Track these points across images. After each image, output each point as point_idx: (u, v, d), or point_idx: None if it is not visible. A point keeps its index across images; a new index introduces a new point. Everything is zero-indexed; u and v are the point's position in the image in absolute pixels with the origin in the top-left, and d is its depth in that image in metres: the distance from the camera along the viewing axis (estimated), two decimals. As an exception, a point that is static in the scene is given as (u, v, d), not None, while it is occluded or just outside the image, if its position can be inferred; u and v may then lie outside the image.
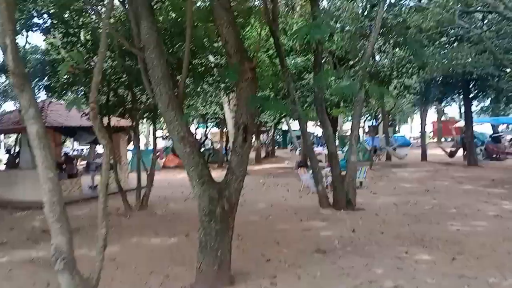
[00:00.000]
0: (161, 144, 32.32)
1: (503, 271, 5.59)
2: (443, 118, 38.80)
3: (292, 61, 17.76)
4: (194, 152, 5.14)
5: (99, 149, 25.67)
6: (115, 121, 15.72)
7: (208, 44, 10.68)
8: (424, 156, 23.80)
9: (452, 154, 22.48)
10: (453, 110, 43.05)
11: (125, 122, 15.37)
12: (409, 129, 59.67)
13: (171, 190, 14.86)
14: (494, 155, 22.65)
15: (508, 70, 16.72)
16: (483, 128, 33.84)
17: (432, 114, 46.86)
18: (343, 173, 11.06)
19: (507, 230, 7.92)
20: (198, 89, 18.86)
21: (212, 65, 12.26)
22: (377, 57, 18.21)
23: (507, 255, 6.34)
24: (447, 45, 14.57)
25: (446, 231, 8.05)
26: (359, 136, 22.82)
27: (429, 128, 45.89)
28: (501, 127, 33.73)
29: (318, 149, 27.13)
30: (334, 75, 16.16)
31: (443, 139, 36.36)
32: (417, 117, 53.69)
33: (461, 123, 34.34)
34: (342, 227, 8.63)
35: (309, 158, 11.46)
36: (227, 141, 25.27)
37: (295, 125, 45.65)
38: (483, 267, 5.81)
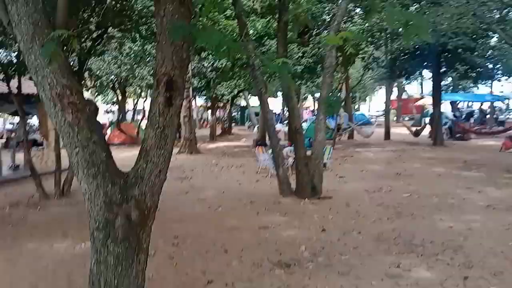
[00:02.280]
0: (105, 118, 29.42)
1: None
2: (403, 96, 38.06)
3: (252, 25, 15.66)
4: (80, 123, 3.06)
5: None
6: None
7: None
8: (387, 135, 22.60)
9: (417, 133, 21.40)
10: (412, 87, 42.57)
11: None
12: (367, 107, 59.26)
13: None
14: (459, 135, 21.74)
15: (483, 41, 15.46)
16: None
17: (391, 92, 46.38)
18: (308, 153, 9.29)
19: (510, 227, 6.41)
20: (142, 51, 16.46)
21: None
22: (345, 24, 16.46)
23: (531, 269, 4.76)
24: (426, 9, 12.98)
25: (437, 229, 6.45)
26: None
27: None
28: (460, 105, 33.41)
29: (278, 126, 25.33)
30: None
31: (401, 118, 35.55)
32: (376, 95, 53.17)
33: (423, 101, 33.81)
34: (309, 224, 6.84)
35: (268, 136, 9.56)
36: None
37: (253, 101, 43.83)
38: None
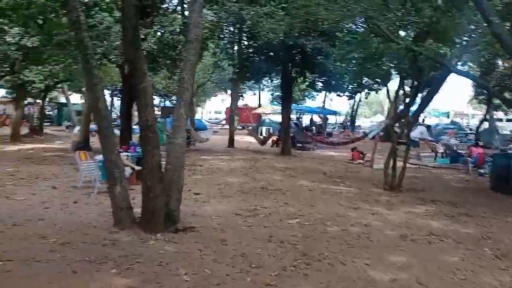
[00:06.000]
0: None
1: None
2: (239, 104, 37.32)
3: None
4: None
5: None
6: None
7: None
8: (231, 142, 20.71)
9: (264, 142, 20.09)
10: (247, 97, 42.31)
11: None
12: (200, 113, 57.64)
13: None
14: (300, 144, 21.22)
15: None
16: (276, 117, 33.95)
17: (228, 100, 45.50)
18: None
19: (465, 276, 4.55)
20: None
21: None
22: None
23: None
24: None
25: (375, 284, 4.17)
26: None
27: (223, 115, 44.39)
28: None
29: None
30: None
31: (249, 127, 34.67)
32: (213, 100, 51.96)
33: (260, 110, 33.55)
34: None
35: (100, 136, 6.04)
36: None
37: (75, 98, 37.39)
38: None
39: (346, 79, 19.70)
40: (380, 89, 27.80)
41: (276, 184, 10.24)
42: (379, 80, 23.30)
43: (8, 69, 18.90)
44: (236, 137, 23.28)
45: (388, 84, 28.84)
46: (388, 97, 28.75)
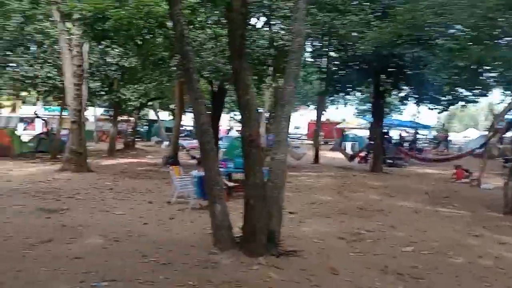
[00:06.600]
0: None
1: None
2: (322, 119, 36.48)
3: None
4: None
5: None
6: None
7: None
8: (316, 158, 20.01)
9: (352, 158, 19.16)
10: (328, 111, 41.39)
11: None
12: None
13: None
14: (390, 161, 19.88)
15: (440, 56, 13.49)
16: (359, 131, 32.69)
17: (307, 115, 44.85)
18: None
19: None
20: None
21: None
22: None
23: None
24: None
25: None
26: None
27: (304, 130, 43.74)
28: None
29: (193, 143, 21.72)
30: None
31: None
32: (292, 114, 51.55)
33: (343, 124, 32.50)
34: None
35: (202, 152, 5.82)
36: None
37: (163, 115, 39.27)
38: None
39: (443, 90, 18.26)
40: (477, 102, 25.49)
41: (375, 205, 9.43)
42: (476, 92, 21.35)
43: (107, 88, 20.20)
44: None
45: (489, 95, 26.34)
46: (491, 109, 26.16)
